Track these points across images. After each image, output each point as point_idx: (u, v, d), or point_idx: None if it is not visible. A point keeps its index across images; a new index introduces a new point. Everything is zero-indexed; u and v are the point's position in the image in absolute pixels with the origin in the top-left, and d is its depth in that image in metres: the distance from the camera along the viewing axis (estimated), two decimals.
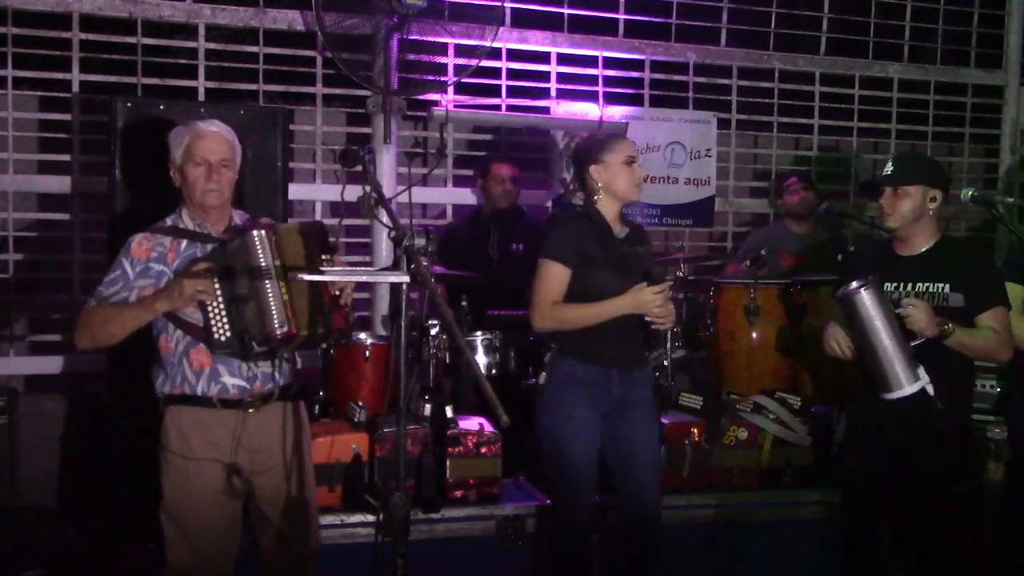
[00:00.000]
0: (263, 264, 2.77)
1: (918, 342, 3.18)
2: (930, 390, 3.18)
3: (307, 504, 3.08)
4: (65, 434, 4.78)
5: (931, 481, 3.32)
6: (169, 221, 3.00)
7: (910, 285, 3.33)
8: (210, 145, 2.94)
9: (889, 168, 3.38)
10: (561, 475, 3.34)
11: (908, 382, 3.18)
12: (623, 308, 3.27)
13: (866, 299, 3.16)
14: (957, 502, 3.34)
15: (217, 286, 2.81)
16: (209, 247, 2.92)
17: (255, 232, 2.79)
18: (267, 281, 2.77)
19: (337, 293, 2.91)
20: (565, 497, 3.36)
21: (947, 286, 3.29)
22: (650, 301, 3.24)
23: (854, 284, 3.22)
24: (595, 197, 3.39)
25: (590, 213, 3.39)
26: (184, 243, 2.94)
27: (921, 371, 3.19)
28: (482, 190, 5.14)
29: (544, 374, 3.35)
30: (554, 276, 3.30)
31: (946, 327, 3.16)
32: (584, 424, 3.31)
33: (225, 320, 2.82)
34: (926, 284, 3.32)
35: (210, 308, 2.82)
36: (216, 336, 2.83)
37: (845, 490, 3.60)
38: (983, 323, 3.27)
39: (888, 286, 3.33)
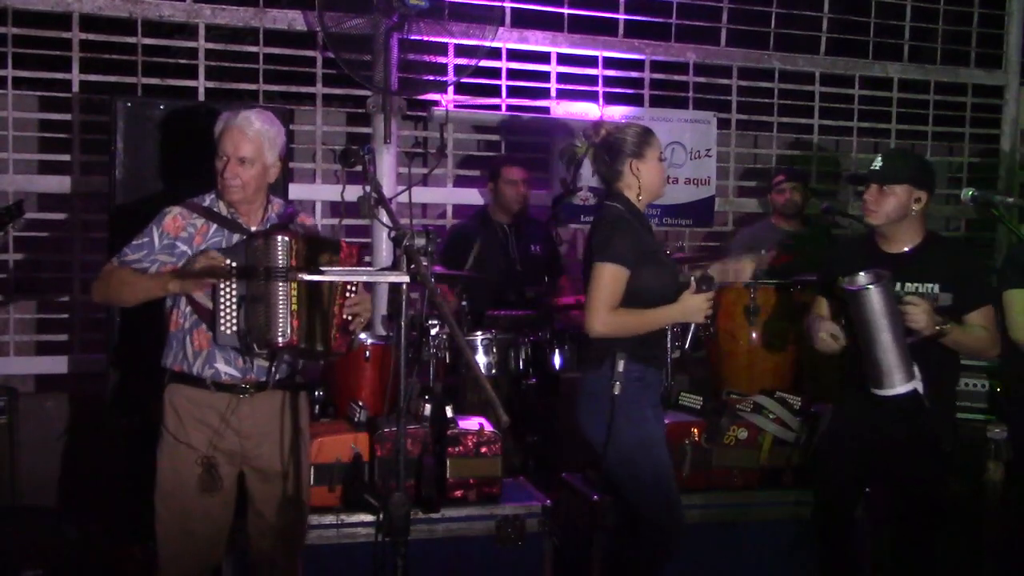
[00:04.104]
0: (280, 271, 2.78)
1: (913, 340, 3.16)
2: (920, 389, 3.18)
3: (298, 495, 3.07)
4: (65, 434, 4.78)
5: (924, 480, 3.31)
6: (207, 201, 3.01)
7: (899, 285, 3.30)
8: (231, 140, 2.93)
9: (878, 163, 3.33)
10: (655, 483, 3.29)
11: (903, 381, 3.18)
12: (676, 316, 3.24)
13: (877, 295, 3.13)
14: (950, 501, 3.35)
15: (233, 281, 2.82)
16: (236, 238, 2.93)
17: (279, 237, 2.80)
18: (280, 288, 2.79)
19: (348, 319, 2.93)
20: (661, 505, 3.30)
21: (936, 286, 3.29)
22: (701, 309, 3.23)
23: (864, 278, 3.20)
24: (631, 192, 3.29)
25: (633, 210, 3.29)
26: (213, 229, 2.96)
27: (916, 370, 3.19)
28: (492, 193, 5.12)
29: (617, 383, 3.20)
30: (614, 278, 3.17)
31: (945, 327, 3.17)
32: (659, 425, 3.34)
33: (234, 314, 2.84)
34: (915, 284, 3.30)
35: (222, 299, 2.84)
36: (222, 328, 2.86)
37: (823, 483, 3.59)
38: (972, 322, 3.29)
39: None
